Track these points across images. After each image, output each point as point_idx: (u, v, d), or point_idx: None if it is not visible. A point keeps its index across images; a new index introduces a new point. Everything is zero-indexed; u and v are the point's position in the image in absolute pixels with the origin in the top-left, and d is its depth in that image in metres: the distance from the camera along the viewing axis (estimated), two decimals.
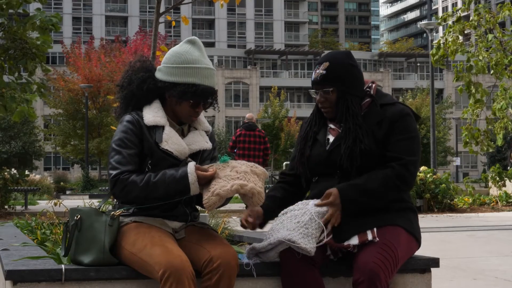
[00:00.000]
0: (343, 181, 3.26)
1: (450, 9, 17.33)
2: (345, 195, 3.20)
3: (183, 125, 3.37)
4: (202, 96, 3.25)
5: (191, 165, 3.13)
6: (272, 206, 3.45)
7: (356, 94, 3.33)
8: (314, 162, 3.36)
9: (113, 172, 3.15)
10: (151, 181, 3.11)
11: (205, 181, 3.13)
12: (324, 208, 3.19)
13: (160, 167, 3.21)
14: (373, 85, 3.41)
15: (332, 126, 3.40)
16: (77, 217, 3.17)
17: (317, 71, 3.34)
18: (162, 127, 3.25)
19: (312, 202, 3.24)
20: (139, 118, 3.26)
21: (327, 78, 3.31)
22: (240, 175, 3.08)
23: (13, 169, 18.33)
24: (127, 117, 3.28)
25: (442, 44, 16.58)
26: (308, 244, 3.07)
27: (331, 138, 3.38)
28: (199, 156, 3.34)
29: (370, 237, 3.17)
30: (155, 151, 3.22)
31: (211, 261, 3.06)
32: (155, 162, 3.23)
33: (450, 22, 16.82)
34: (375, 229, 3.20)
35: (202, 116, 3.44)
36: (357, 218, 3.23)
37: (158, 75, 3.32)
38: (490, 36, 16.22)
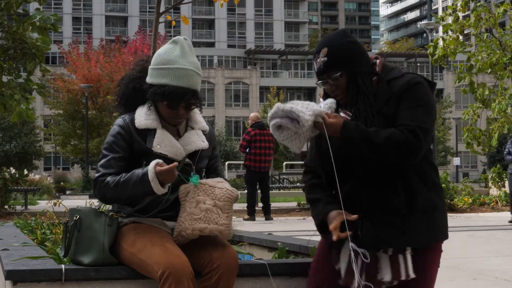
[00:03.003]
0: (358, 167, 3.00)
1: (449, 7, 17.25)
2: (347, 130, 2.94)
3: (178, 125, 3.34)
4: (171, 97, 3.17)
5: (152, 163, 3.08)
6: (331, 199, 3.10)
7: (365, 71, 3.05)
8: (327, 155, 3.04)
9: (95, 175, 3.21)
10: (120, 181, 3.12)
11: (168, 178, 3.04)
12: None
13: None
14: (377, 61, 3.12)
15: (342, 114, 3.08)
16: (76, 217, 3.18)
17: (318, 60, 3.07)
18: (154, 130, 3.24)
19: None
20: (129, 122, 3.25)
21: (330, 63, 3.03)
22: (202, 214, 3.08)
23: (12, 169, 18.33)
24: (119, 120, 3.29)
25: (440, 42, 16.58)
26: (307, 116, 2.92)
27: None
28: (197, 156, 3.32)
29: (403, 275, 2.96)
30: (149, 154, 3.21)
31: (211, 261, 3.06)
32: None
33: (449, 21, 16.81)
34: (409, 257, 2.97)
35: (199, 115, 3.41)
36: (382, 221, 2.95)
37: (147, 77, 3.32)
38: (485, 36, 16.22)
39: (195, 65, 3.23)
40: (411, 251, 2.97)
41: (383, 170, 2.97)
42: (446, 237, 3.09)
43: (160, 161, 3.09)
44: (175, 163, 3.07)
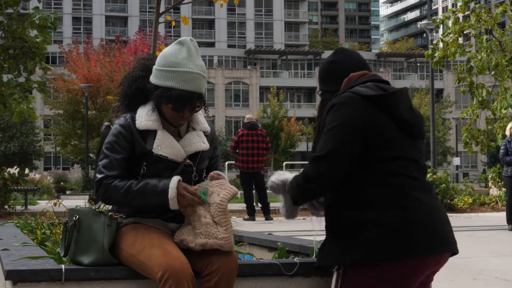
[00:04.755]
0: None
1: (449, 9, 17.27)
2: (290, 193, 3.10)
3: (180, 126, 3.31)
4: (177, 101, 3.15)
5: (174, 180, 3.11)
6: None
7: (330, 90, 3.11)
8: None
9: (98, 176, 3.18)
10: (132, 189, 3.11)
11: (188, 203, 3.11)
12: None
13: (156, 169, 3.20)
14: (346, 79, 3.09)
15: None
16: (75, 217, 3.17)
17: None
18: (155, 132, 3.21)
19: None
20: (131, 122, 3.22)
21: (318, 81, 3.23)
22: (202, 228, 3.10)
23: (15, 167, 18.33)
24: (120, 120, 3.25)
25: (440, 45, 16.59)
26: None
27: None
28: (198, 157, 3.30)
29: None
30: (149, 155, 3.19)
31: (211, 263, 3.06)
32: (151, 164, 3.20)
33: (449, 24, 16.83)
34: (335, 274, 2.97)
35: (201, 116, 3.38)
36: (328, 236, 3.03)
37: (151, 76, 3.29)
38: (484, 37, 16.23)
39: (202, 68, 3.21)
40: (341, 269, 2.95)
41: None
42: (378, 257, 2.83)
43: (180, 179, 3.12)
44: (197, 193, 3.11)
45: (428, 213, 2.88)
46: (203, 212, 3.13)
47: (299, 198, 3.03)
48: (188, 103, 3.17)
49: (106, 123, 3.55)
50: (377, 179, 2.89)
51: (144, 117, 3.22)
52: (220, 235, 3.09)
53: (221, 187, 3.18)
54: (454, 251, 3.00)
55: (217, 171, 3.30)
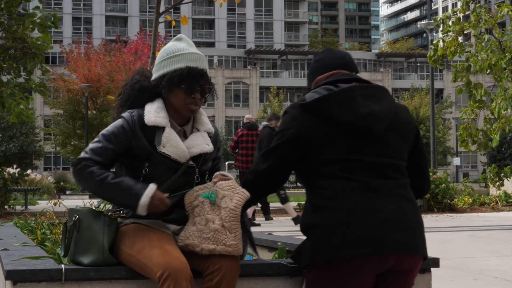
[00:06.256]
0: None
1: (450, 9, 17.29)
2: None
3: (185, 126, 3.30)
4: (190, 77, 3.16)
5: (152, 188, 3.09)
6: None
7: (309, 88, 3.22)
8: None
9: (83, 155, 3.18)
10: (106, 181, 3.10)
11: (159, 208, 3.12)
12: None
13: (159, 170, 3.19)
14: (320, 79, 3.18)
15: None
16: (75, 217, 3.17)
17: None
18: (163, 129, 3.19)
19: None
20: (136, 119, 3.20)
21: None
22: (211, 234, 3.06)
23: (15, 166, 18.32)
24: (126, 114, 3.23)
25: (440, 45, 16.59)
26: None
27: None
28: (201, 159, 3.28)
29: None
30: (152, 154, 3.17)
31: (213, 262, 3.05)
32: (153, 165, 3.19)
33: (449, 23, 16.83)
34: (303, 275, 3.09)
35: (205, 116, 3.36)
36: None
37: (153, 75, 3.29)
38: (486, 37, 16.23)
39: (203, 56, 3.29)
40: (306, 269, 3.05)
41: None
42: (312, 259, 2.94)
43: (155, 189, 3.11)
44: (168, 203, 3.12)
45: (360, 213, 2.88)
46: (212, 216, 3.08)
47: (246, 188, 3.14)
48: (200, 79, 3.18)
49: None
50: (315, 183, 3.00)
51: (153, 113, 3.20)
52: (229, 242, 3.04)
53: (233, 191, 3.10)
54: (403, 252, 2.92)
55: (222, 172, 3.26)
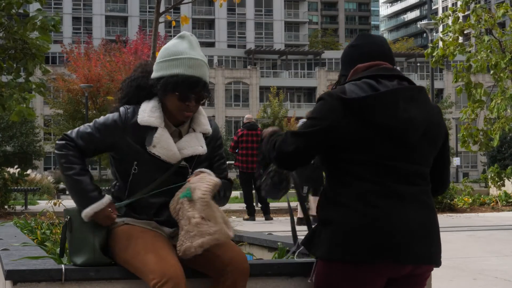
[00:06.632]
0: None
1: (449, 8, 17.28)
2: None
3: (181, 126, 3.25)
4: (184, 85, 3.10)
5: (102, 203, 3.10)
6: None
7: (344, 74, 3.12)
8: None
9: (68, 132, 3.21)
10: (70, 172, 3.11)
11: (104, 223, 3.13)
12: None
13: (148, 169, 3.16)
14: (352, 70, 3.08)
15: None
16: (67, 218, 3.17)
17: None
18: (155, 129, 3.15)
19: None
20: (130, 116, 3.17)
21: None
22: (195, 230, 3.04)
23: (15, 167, 18.31)
24: (122, 109, 3.20)
25: (439, 44, 16.59)
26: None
27: None
28: (194, 161, 3.24)
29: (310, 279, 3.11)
30: (141, 153, 3.14)
31: (223, 264, 3.02)
32: (142, 164, 3.16)
33: (449, 22, 16.84)
34: (315, 264, 3.07)
35: (204, 117, 3.30)
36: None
37: (152, 73, 3.25)
38: (486, 38, 16.23)
39: (204, 58, 3.20)
40: (318, 259, 3.04)
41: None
42: (329, 255, 2.93)
43: (110, 201, 3.13)
44: (111, 220, 3.12)
45: (383, 220, 2.86)
46: (192, 213, 3.06)
47: (265, 155, 3.14)
48: (195, 88, 3.12)
49: None
50: (343, 180, 2.95)
51: (148, 112, 3.16)
52: (212, 229, 3.03)
53: (201, 181, 3.10)
54: (421, 263, 2.94)
55: (200, 169, 3.22)
